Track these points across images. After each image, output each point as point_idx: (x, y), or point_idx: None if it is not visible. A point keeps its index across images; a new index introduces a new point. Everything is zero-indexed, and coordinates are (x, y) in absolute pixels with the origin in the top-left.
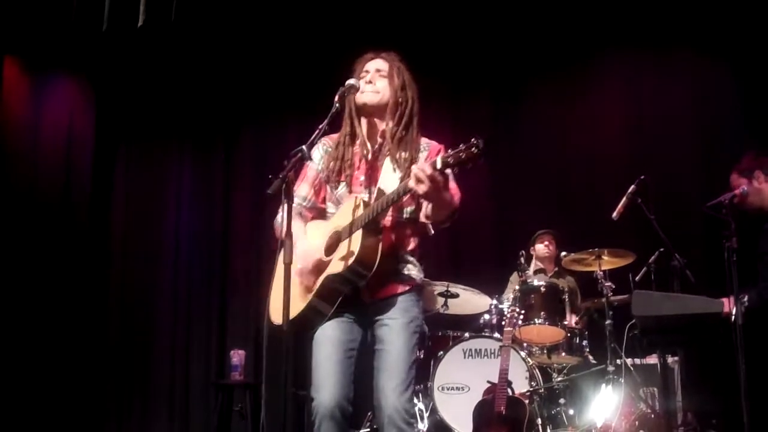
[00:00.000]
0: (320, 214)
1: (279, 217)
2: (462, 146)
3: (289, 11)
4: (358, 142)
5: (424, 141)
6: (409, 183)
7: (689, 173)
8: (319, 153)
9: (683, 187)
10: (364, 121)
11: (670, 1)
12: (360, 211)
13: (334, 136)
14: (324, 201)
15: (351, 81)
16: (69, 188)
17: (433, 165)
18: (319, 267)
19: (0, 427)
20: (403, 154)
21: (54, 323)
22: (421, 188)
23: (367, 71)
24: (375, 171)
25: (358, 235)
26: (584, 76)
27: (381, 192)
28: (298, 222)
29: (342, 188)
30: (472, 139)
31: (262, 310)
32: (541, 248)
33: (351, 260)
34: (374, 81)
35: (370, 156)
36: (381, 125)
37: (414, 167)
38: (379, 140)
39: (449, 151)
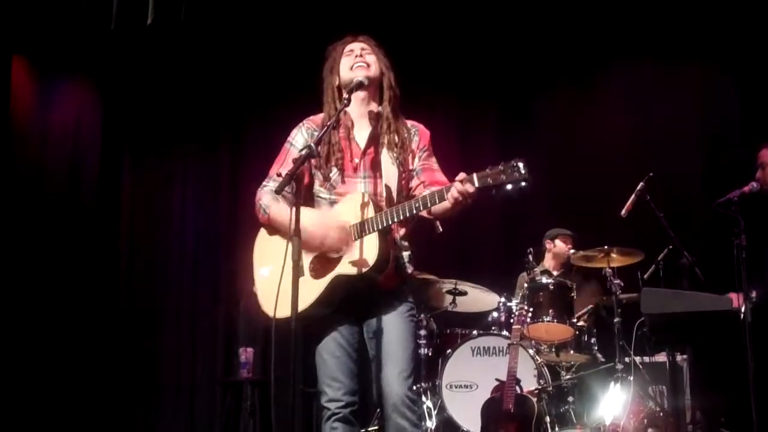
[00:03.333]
0: (303, 200)
1: (267, 198)
2: (501, 166)
3: (296, 9)
4: (347, 124)
5: (409, 123)
6: (447, 197)
7: (695, 173)
8: (303, 137)
9: (690, 185)
10: (353, 101)
11: (674, 13)
12: (369, 209)
13: (315, 118)
14: (308, 186)
15: (359, 78)
16: (77, 188)
17: (473, 183)
18: (325, 264)
19: (4, 427)
20: (396, 140)
21: (63, 322)
22: (459, 204)
23: (351, 50)
24: (371, 157)
25: (374, 240)
26: (591, 84)
27: (388, 188)
28: (286, 206)
29: (337, 173)
30: (512, 161)
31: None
32: (562, 246)
33: (368, 267)
34: (364, 57)
35: (365, 141)
36: (371, 106)
37: (457, 185)
38: (372, 123)
39: (487, 169)
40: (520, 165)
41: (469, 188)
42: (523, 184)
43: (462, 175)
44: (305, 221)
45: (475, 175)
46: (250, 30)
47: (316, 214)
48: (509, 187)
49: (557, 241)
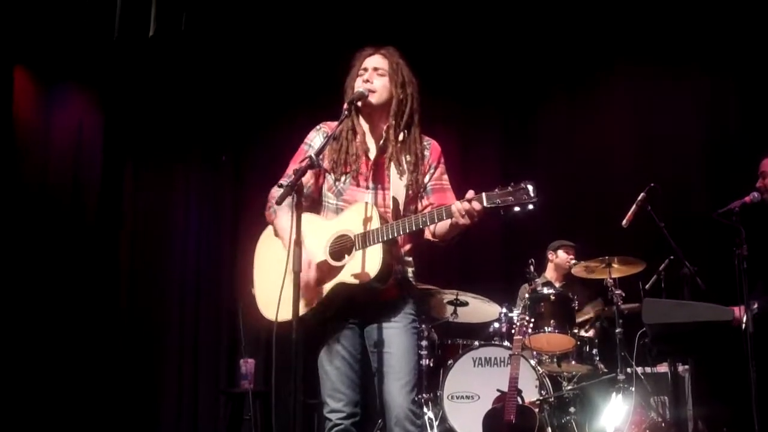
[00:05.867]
0: (313, 203)
1: (278, 198)
2: (510, 188)
3: (298, 20)
4: (359, 138)
5: (425, 139)
6: (453, 211)
7: (696, 182)
8: (320, 140)
9: (691, 195)
10: (364, 116)
11: (675, 21)
12: (374, 220)
13: (333, 124)
14: (320, 190)
15: (360, 89)
16: (79, 197)
17: (481, 203)
18: (327, 271)
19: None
20: (407, 157)
21: (65, 330)
22: (463, 221)
23: (365, 69)
24: (380, 169)
25: (377, 251)
26: (593, 92)
27: (396, 201)
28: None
29: (346, 181)
30: (521, 183)
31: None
32: (564, 257)
33: (371, 277)
34: (371, 80)
35: (374, 153)
36: (382, 123)
37: (464, 204)
38: (383, 136)
39: (496, 190)
40: (530, 187)
41: (476, 206)
42: (531, 206)
43: (470, 194)
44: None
45: (483, 195)
46: (252, 40)
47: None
48: (517, 208)
49: (560, 252)
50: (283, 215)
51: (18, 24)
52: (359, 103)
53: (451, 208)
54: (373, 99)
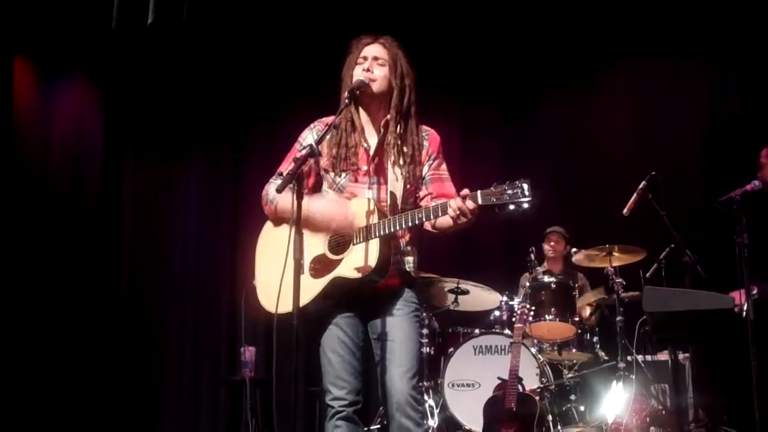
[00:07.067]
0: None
1: (271, 192)
2: (506, 186)
3: (299, 10)
4: (358, 130)
5: (423, 129)
6: (449, 211)
7: (697, 171)
8: (313, 138)
9: (692, 184)
10: (363, 107)
11: (675, 12)
12: (373, 215)
13: (327, 120)
14: (313, 186)
15: (361, 78)
16: (80, 187)
17: (476, 201)
18: (325, 264)
19: (5, 428)
20: (405, 149)
21: (66, 321)
22: (461, 220)
23: (365, 57)
24: (379, 164)
25: (375, 245)
26: (593, 83)
27: (393, 195)
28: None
29: (345, 177)
30: (517, 182)
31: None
32: (545, 248)
33: (369, 271)
34: (372, 69)
35: (372, 148)
36: (380, 115)
37: (458, 201)
38: (381, 131)
39: (492, 188)
40: (525, 186)
41: (470, 205)
42: (526, 205)
43: (466, 191)
44: (314, 205)
45: (479, 193)
46: (253, 30)
47: (325, 200)
48: (512, 207)
49: (543, 245)
50: (285, 197)
51: (18, 14)
52: (358, 92)
53: (447, 205)
54: (374, 87)
